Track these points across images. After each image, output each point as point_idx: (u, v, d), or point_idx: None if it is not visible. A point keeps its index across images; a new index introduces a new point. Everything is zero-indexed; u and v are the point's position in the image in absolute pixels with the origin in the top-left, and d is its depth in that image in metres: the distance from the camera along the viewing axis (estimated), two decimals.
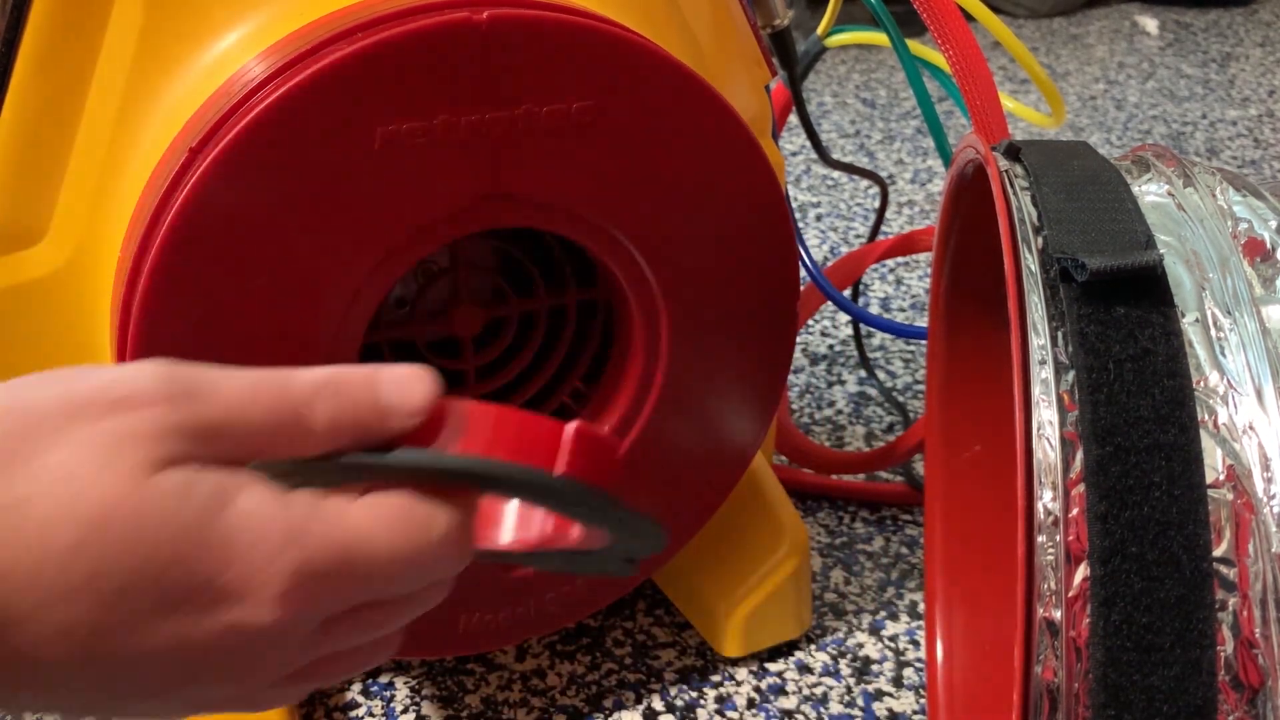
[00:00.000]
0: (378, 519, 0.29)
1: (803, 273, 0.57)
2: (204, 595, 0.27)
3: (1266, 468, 0.33)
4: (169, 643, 0.27)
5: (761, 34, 0.57)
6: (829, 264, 0.81)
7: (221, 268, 0.41)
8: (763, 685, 0.59)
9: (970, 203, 0.51)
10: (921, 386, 0.84)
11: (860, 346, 0.86)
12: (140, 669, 0.27)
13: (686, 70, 0.45)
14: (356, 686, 0.58)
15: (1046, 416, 0.34)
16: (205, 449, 0.28)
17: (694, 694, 0.58)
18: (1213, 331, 0.35)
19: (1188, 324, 0.35)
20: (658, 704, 0.58)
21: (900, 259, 1.01)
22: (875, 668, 0.60)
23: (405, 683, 0.59)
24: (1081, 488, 0.33)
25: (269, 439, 0.29)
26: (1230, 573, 0.33)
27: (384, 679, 0.59)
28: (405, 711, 0.57)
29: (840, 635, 0.62)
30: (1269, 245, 0.37)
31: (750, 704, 0.58)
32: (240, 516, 0.27)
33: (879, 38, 0.65)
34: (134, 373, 0.28)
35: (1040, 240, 0.37)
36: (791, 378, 0.85)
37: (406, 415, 0.30)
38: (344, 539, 0.29)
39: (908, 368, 0.87)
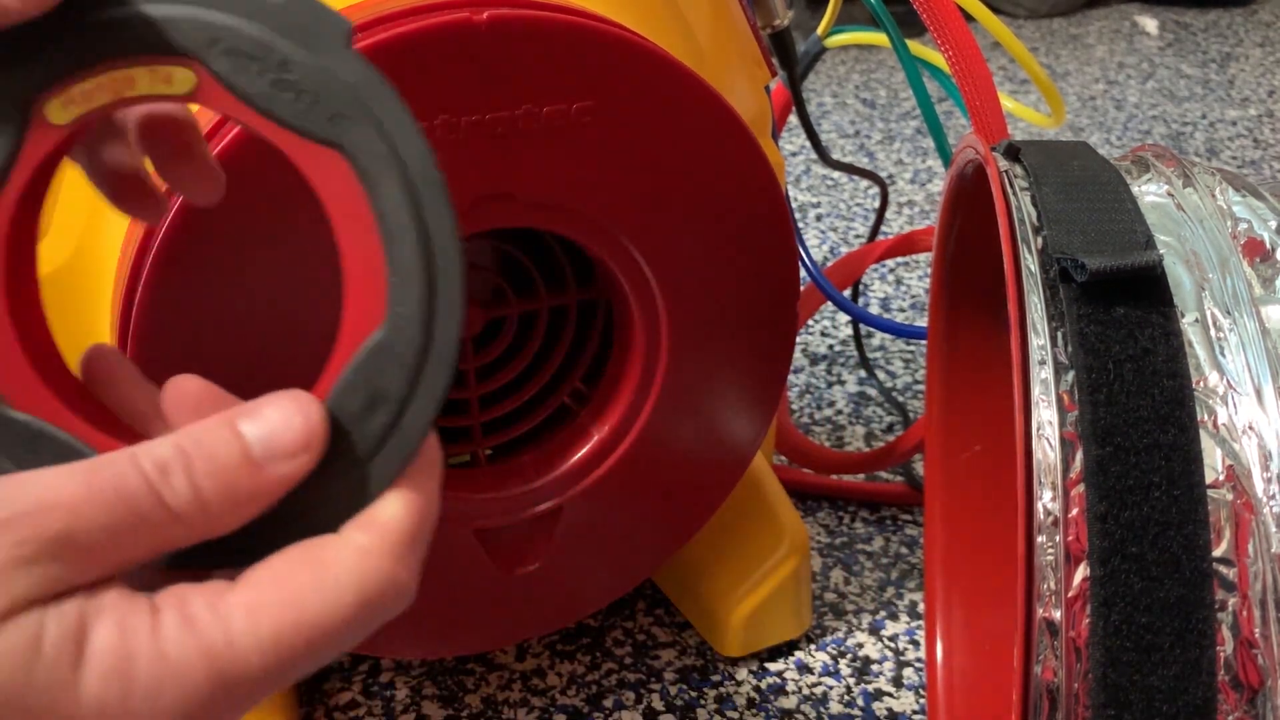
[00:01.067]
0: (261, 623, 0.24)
1: (803, 273, 0.57)
2: None
3: (1266, 468, 0.33)
4: None
5: (761, 34, 0.57)
6: (829, 264, 0.81)
7: (222, 268, 0.41)
8: (763, 685, 0.59)
9: (970, 203, 0.51)
10: (921, 387, 0.84)
11: (860, 346, 0.86)
12: None
13: (686, 70, 0.45)
14: (356, 686, 0.58)
15: (1046, 416, 0.34)
16: (49, 575, 0.23)
17: (694, 694, 0.58)
18: (1212, 332, 0.35)
19: (1187, 324, 0.35)
20: (658, 704, 0.58)
21: (900, 259, 1.01)
22: (875, 668, 0.60)
23: (405, 683, 0.59)
24: (1081, 488, 0.33)
25: (126, 539, 0.24)
26: (1230, 573, 0.33)
27: (384, 679, 0.59)
28: (405, 711, 0.57)
29: (840, 635, 0.62)
30: (1269, 245, 0.37)
31: (750, 704, 0.58)
32: (98, 667, 0.23)
33: (879, 38, 0.65)
34: None
35: (1040, 240, 0.37)
36: (791, 378, 0.85)
37: (287, 458, 0.25)
38: (224, 667, 0.24)
39: (908, 368, 0.87)
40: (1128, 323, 0.35)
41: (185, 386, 0.28)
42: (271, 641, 0.24)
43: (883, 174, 1.22)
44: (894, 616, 0.63)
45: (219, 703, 0.24)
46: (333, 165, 0.26)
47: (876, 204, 0.83)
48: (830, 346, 0.90)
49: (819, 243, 1.07)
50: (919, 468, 0.72)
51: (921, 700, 0.58)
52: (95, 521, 0.23)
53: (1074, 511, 0.33)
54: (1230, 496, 0.33)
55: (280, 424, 0.25)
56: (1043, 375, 0.35)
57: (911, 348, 0.89)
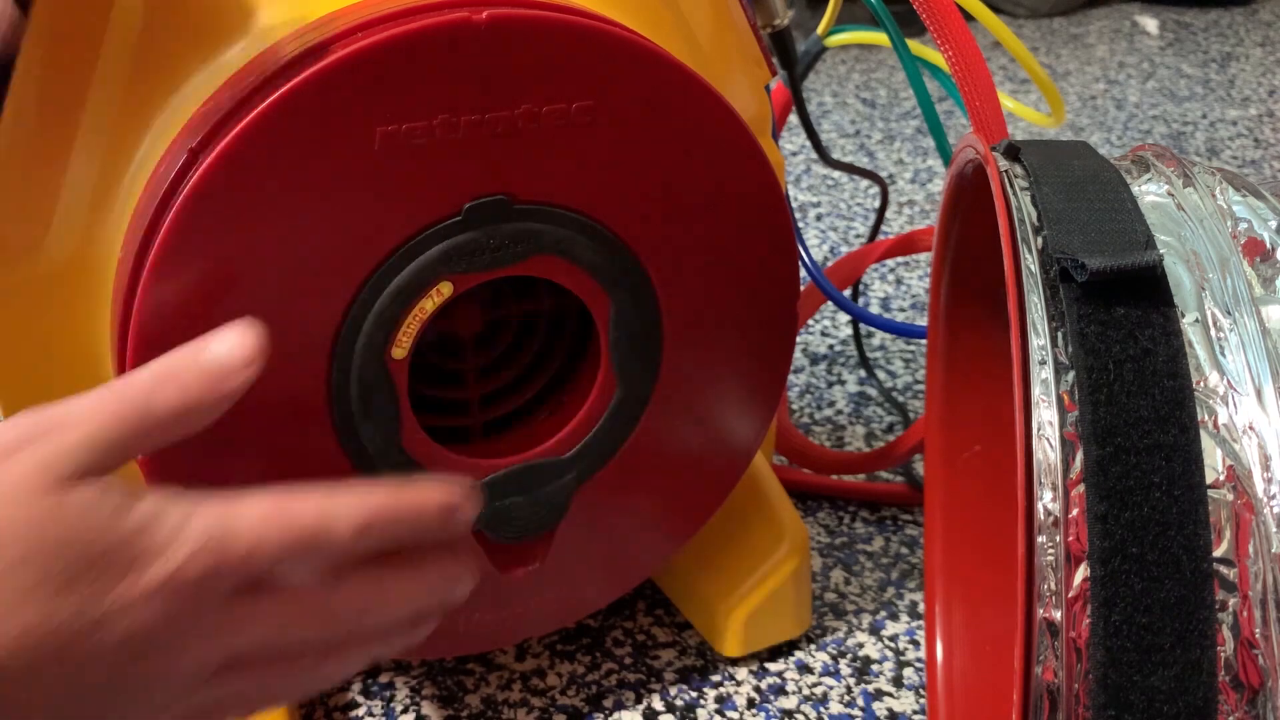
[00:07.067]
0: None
1: (803, 273, 0.57)
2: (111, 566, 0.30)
3: (1266, 468, 0.33)
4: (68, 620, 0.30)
5: (761, 34, 0.56)
6: (829, 264, 0.81)
7: (221, 268, 0.41)
8: (763, 685, 0.59)
9: (970, 203, 0.51)
10: (922, 386, 0.84)
11: (860, 346, 0.86)
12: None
13: (686, 70, 0.45)
14: (356, 686, 0.58)
15: (1046, 417, 0.34)
16: None
17: (694, 694, 0.58)
18: (1213, 331, 0.35)
19: (1188, 324, 0.35)
20: (658, 704, 0.58)
21: (900, 259, 1.01)
22: (875, 668, 0.60)
23: (405, 683, 0.59)
24: (1081, 488, 0.33)
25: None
26: (1230, 573, 0.33)
27: (384, 679, 0.59)
28: (405, 711, 0.57)
29: (840, 635, 0.62)
30: (1269, 245, 0.37)
31: (750, 704, 0.58)
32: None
33: (879, 37, 0.65)
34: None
35: (1040, 240, 0.37)
36: (791, 378, 0.85)
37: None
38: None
39: (908, 368, 0.87)
40: (1128, 323, 0.35)
41: None
42: None
43: (883, 174, 1.22)
44: (894, 616, 0.63)
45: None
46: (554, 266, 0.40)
47: (877, 203, 0.83)
48: (830, 346, 0.90)
49: (819, 242, 1.07)
50: (919, 468, 0.72)
51: (922, 700, 0.58)
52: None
53: (1074, 512, 0.33)
54: (1230, 497, 0.33)
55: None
56: (1043, 375, 0.35)
57: (912, 347, 0.89)
